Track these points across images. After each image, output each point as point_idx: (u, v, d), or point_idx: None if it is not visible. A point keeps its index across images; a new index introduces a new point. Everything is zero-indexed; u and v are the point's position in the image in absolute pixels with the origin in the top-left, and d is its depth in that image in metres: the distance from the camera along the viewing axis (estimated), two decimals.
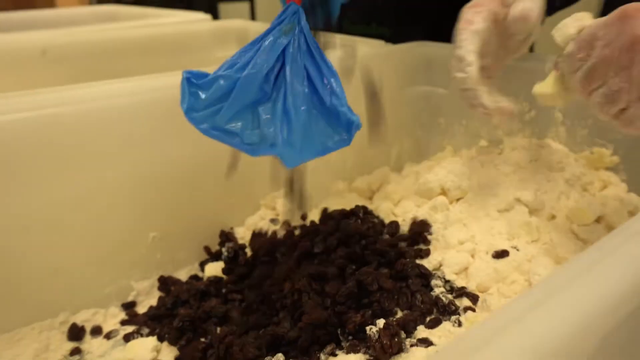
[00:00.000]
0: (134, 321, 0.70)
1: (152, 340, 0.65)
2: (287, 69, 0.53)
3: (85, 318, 0.69)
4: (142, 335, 0.66)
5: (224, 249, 0.73)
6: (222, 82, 0.53)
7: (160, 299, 0.72)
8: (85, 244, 0.69)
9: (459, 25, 0.57)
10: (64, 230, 0.67)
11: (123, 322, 0.70)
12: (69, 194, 0.67)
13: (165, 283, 0.75)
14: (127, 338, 0.66)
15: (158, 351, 0.64)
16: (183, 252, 0.78)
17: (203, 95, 0.53)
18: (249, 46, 0.55)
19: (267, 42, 0.53)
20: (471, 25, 0.56)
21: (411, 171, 0.86)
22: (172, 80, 0.73)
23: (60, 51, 0.99)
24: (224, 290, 0.69)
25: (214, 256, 0.77)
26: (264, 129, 0.52)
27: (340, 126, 0.52)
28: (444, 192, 0.76)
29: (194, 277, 0.76)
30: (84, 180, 0.67)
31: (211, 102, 0.53)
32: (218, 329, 0.64)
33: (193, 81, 0.53)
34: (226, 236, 0.80)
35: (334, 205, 0.85)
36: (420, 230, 0.70)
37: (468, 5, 0.58)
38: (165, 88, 0.73)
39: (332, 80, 0.53)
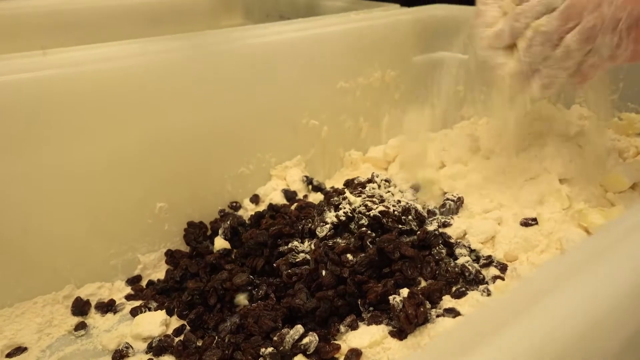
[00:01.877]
0: (140, 295, 0.68)
1: (161, 314, 0.62)
2: None
3: (90, 292, 0.67)
4: (149, 310, 0.64)
5: (220, 230, 0.70)
6: None
7: (168, 272, 0.70)
8: (90, 214, 0.66)
9: None
10: (67, 199, 0.65)
11: (129, 297, 0.68)
12: (73, 161, 0.64)
13: (173, 256, 0.72)
14: (134, 312, 0.64)
15: (167, 325, 0.62)
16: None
17: None
18: None
19: None
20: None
21: (427, 141, 0.82)
22: (181, 44, 0.69)
23: (65, 18, 0.96)
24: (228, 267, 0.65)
25: (216, 232, 0.73)
26: None
27: None
28: (461, 162, 0.73)
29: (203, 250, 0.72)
30: (88, 147, 0.65)
31: None
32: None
33: None
34: (225, 214, 0.76)
35: (348, 176, 0.82)
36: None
37: None
38: (174, 51, 0.70)
39: None
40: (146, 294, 0.67)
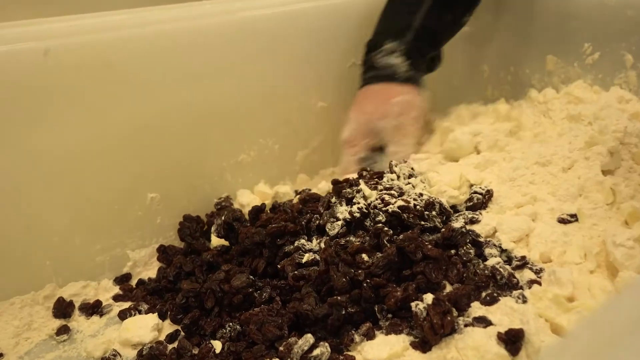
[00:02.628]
0: (130, 296, 0.64)
1: (153, 318, 0.59)
2: None
3: (73, 292, 0.64)
4: (140, 312, 0.61)
5: (213, 228, 0.66)
6: None
7: (160, 270, 0.66)
8: (73, 204, 0.62)
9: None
10: (47, 187, 0.61)
11: (117, 297, 0.64)
12: (51, 146, 0.60)
13: (166, 253, 0.68)
14: (123, 315, 0.61)
15: (159, 330, 0.58)
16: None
17: None
18: None
19: None
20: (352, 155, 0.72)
21: (443, 126, 0.77)
22: (173, 14, 0.65)
23: None
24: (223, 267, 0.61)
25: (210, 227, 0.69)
26: None
27: None
28: (477, 150, 0.68)
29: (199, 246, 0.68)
30: (70, 130, 0.60)
31: None
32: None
33: None
34: (219, 210, 0.72)
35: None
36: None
37: (343, 140, 0.73)
38: (165, 22, 0.65)
39: None
40: (136, 295, 0.64)
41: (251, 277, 0.57)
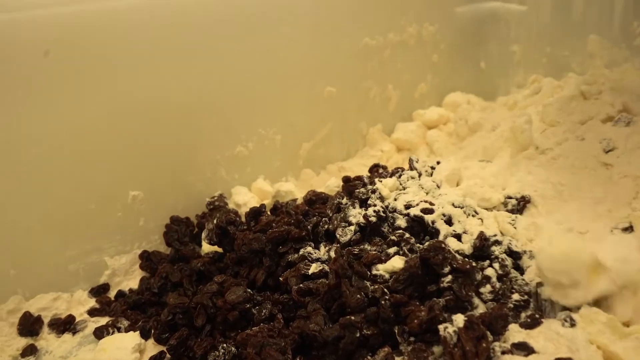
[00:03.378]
0: (107, 310, 0.61)
1: (134, 337, 0.55)
2: None
3: (42, 305, 0.60)
4: (119, 330, 0.57)
5: (204, 233, 0.62)
6: None
7: (143, 280, 0.63)
8: (41, 203, 0.59)
9: None
10: (13, 181, 0.57)
11: (93, 312, 0.61)
12: (21, 133, 0.56)
13: (150, 260, 0.65)
14: (99, 333, 0.57)
15: (141, 351, 0.54)
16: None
17: None
18: None
19: None
20: None
21: (469, 115, 0.73)
22: None
23: None
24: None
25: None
26: None
27: None
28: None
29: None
30: (40, 116, 0.56)
31: None
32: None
33: None
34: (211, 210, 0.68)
35: (372, 157, 0.77)
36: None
37: None
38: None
39: None
40: (115, 309, 0.60)
41: (249, 290, 0.54)
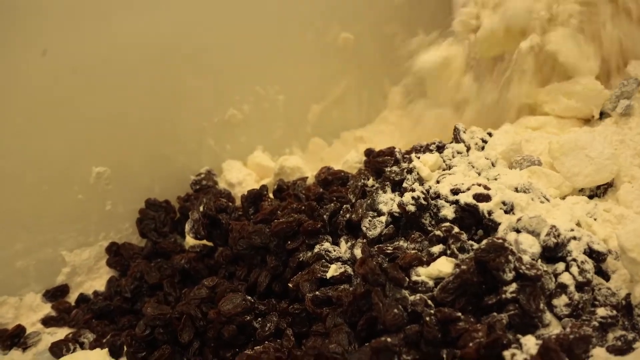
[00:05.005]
0: (67, 319, 0.59)
1: (101, 356, 0.53)
2: None
3: None
4: (82, 346, 0.55)
5: (187, 224, 0.59)
6: None
7: (111, 281, 0.61)
8: None
9: None
10: None
11: (48, 321, 0.59)
12: None
13: (120, 254, 0.63)
14: (57, 350, 0.54)
15: None
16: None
17: None
18: None
19: None
20: None
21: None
22: None
23: None
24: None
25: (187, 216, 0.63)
26: None
27: None
28: None
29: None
30: None
31: None
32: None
33: None
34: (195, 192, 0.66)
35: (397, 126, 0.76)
36: None
37: None
38: None
39: None
40: (76, 318, 0.58)
41: (249, 297, 0.52)
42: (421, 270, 0.47)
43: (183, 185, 0.66)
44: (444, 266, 0.47)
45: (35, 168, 0.57)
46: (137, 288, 0.57)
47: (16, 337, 0.56)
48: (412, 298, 0.46)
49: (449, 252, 0.49)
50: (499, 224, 0.50)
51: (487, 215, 0.50)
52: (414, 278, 0.47)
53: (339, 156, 0.74)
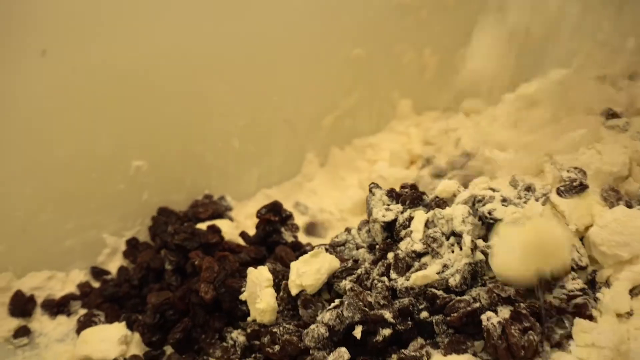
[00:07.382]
0: (85, 301, 0.62)
1: (119, 328, 0.56)
2: None
3: (35, 284, 0.62)
4: (96, 324, 0.58)
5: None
6: None
7: (121, 270, 0.63)
8: (39, 170, 0.60)
9: None
10: (7, 147, 0.59)
11: (85, 294, 0.62)
12: (15, 94, 0.57)
13: (136, 247, 0.65)
14: (83, 323, 0.58)
15: (128, 344, 0.55)
16: (180, 193, 0.69)
17: None
18: None
19: None
20: None
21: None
22: None
23: None
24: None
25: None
26: None
27: None
28: None
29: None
30: (41, 71, 0.57)
31: None
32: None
33: None
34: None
35: (402, 136, 0.78)
36: None
37: None
38: None
39: None
40: (90, 300, 0.61)
41: None
42: None
43: (211, 180, 0.69)
44: None
45: (86, 158, 0.61)
46: (144, 277, 0.59)
47: (63, 306, 0.60)
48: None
49: None
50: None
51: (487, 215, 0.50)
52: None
53: (350, 161, 0.77)
